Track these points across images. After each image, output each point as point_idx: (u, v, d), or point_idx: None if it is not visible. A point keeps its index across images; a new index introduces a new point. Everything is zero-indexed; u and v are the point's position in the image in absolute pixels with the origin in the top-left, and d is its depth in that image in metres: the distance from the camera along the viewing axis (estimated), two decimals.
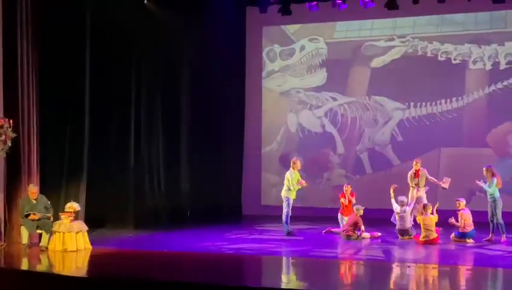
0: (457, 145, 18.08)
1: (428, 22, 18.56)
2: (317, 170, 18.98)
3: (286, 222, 15.22)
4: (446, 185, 15.45)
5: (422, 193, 15.61)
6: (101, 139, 16.12)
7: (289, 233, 15.16)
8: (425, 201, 15.19)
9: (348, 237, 14.63)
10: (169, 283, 10.22)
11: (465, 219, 14.14)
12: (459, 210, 14.29)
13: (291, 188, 15.14)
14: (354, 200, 15.61)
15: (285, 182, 15.25)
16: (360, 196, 16.21)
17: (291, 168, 15.33)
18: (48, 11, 14.63)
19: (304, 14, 18.50)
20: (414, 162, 15.74)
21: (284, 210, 15.19)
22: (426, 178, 15.67)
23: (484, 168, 14.31)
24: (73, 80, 15.30)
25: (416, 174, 15.64)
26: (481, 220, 14.48)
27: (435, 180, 15.78)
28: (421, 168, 15.65)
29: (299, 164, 15.42)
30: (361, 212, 14.88)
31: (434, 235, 14.02)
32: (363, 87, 19.09)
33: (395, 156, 18.70)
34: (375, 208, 16.40)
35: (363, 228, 14.73)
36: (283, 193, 15.28)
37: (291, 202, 15.18)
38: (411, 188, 15.68)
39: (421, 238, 14.05)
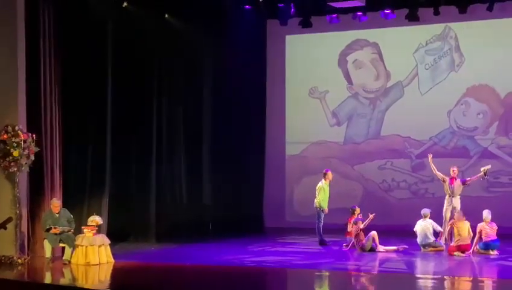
0: None
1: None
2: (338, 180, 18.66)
3: (319, 233, 15.21)
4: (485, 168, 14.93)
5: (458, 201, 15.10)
6: (123, 152, 16.17)
7: (322, 242, 15.18)
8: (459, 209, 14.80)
9: (362, 249, 14.54)
10: None
11: (486, 230, 13.95)
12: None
13: (325, 200, 15.09)
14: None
15: (318, 193, 15.16)
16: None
17: (323, 180, 15.27)
18: (69, 23, 14.73)
19: (325, 25, 18.46)
20: (451, 170, 15.10)
21: (316, 221, 15.18)
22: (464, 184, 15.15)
23: None
24: (95, 93, 15.39)
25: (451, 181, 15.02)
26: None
27: (474, 177, 15.30)
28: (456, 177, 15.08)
29: (330, 175, 15.33)
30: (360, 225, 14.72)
31: (467, 241, 13.91)
32: (385, 97, 19.06)
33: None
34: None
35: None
36: (316, 204, 15.23)
37: (322, 214, 15.14)
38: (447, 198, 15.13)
39: (453, 243, 13.98)
